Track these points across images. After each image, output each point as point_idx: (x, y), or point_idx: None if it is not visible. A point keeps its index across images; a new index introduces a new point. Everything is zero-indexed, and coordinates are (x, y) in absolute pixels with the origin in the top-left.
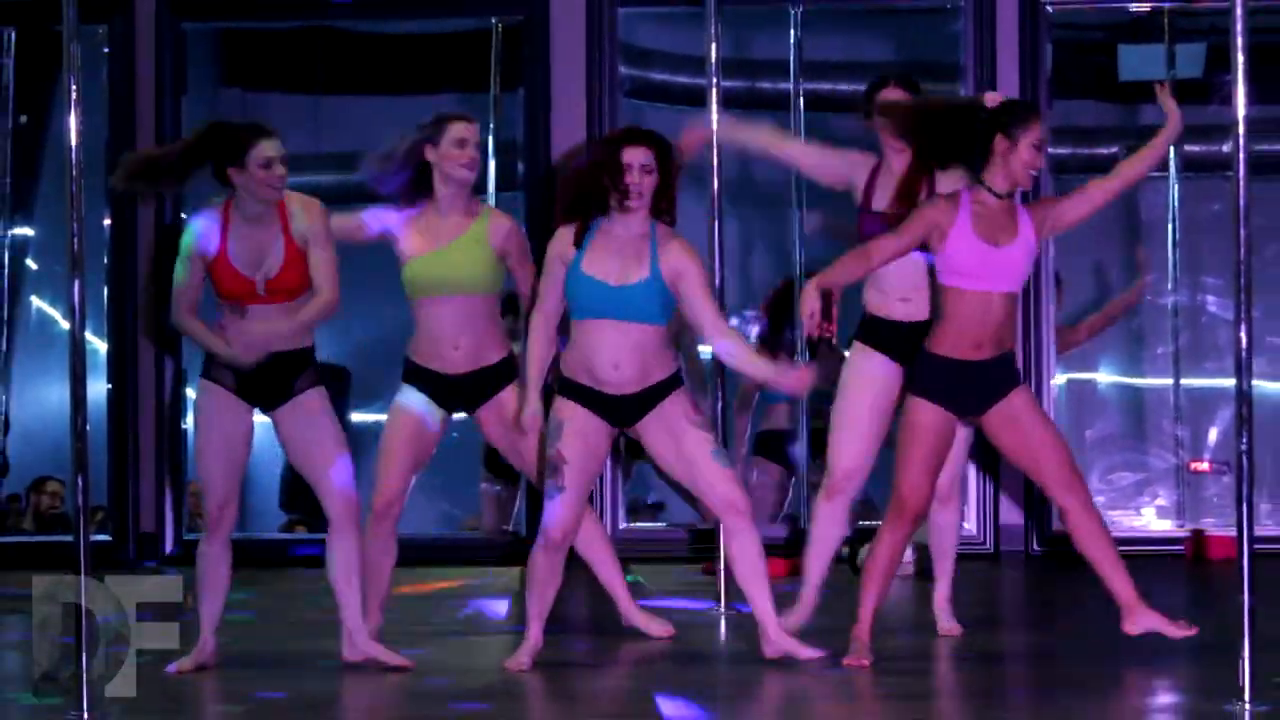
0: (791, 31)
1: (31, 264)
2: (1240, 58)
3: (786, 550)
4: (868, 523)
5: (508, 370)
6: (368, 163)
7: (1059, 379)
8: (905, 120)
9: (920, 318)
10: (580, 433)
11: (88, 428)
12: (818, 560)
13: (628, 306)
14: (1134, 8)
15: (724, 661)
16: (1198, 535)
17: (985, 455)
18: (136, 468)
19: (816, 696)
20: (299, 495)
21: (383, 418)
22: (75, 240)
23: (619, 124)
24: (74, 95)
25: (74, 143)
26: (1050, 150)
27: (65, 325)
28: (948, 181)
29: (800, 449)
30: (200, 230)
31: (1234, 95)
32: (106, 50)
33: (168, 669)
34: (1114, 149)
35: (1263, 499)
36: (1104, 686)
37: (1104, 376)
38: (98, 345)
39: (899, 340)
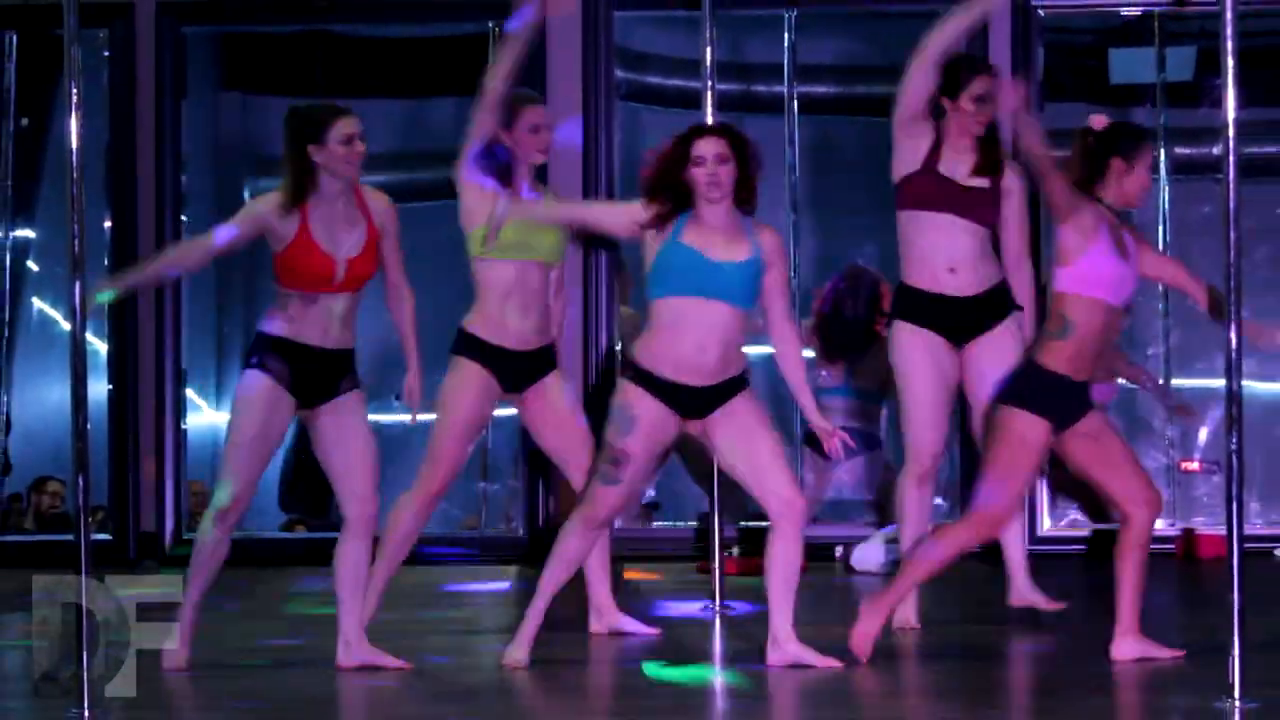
0: (786, 35)
1: (33, 265)
2: (1230, 61)
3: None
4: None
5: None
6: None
7: None
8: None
9: (968, 292)
10: (649, 431)
11: (88, 427)
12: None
13: (722, 284)
14: (1125, 11)
15: (719, 661)
16: (1188, 534)
17: (972, 458)
18: (136, 468)
19: (814, 694)
20: (298, 495)
21: (382, 417)
22: (76, 242)
23: (615, 127)
24: (75, 99)
25: (75, 146)
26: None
27: (66, 326)
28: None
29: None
30: (265, 211)
31: (1224, 98)
32: (107, 54)
33: (165, 668)
34: None
35: (1252, 498)
36: (1095, 685)
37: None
38: (98, 346)
39: (942, 315)
